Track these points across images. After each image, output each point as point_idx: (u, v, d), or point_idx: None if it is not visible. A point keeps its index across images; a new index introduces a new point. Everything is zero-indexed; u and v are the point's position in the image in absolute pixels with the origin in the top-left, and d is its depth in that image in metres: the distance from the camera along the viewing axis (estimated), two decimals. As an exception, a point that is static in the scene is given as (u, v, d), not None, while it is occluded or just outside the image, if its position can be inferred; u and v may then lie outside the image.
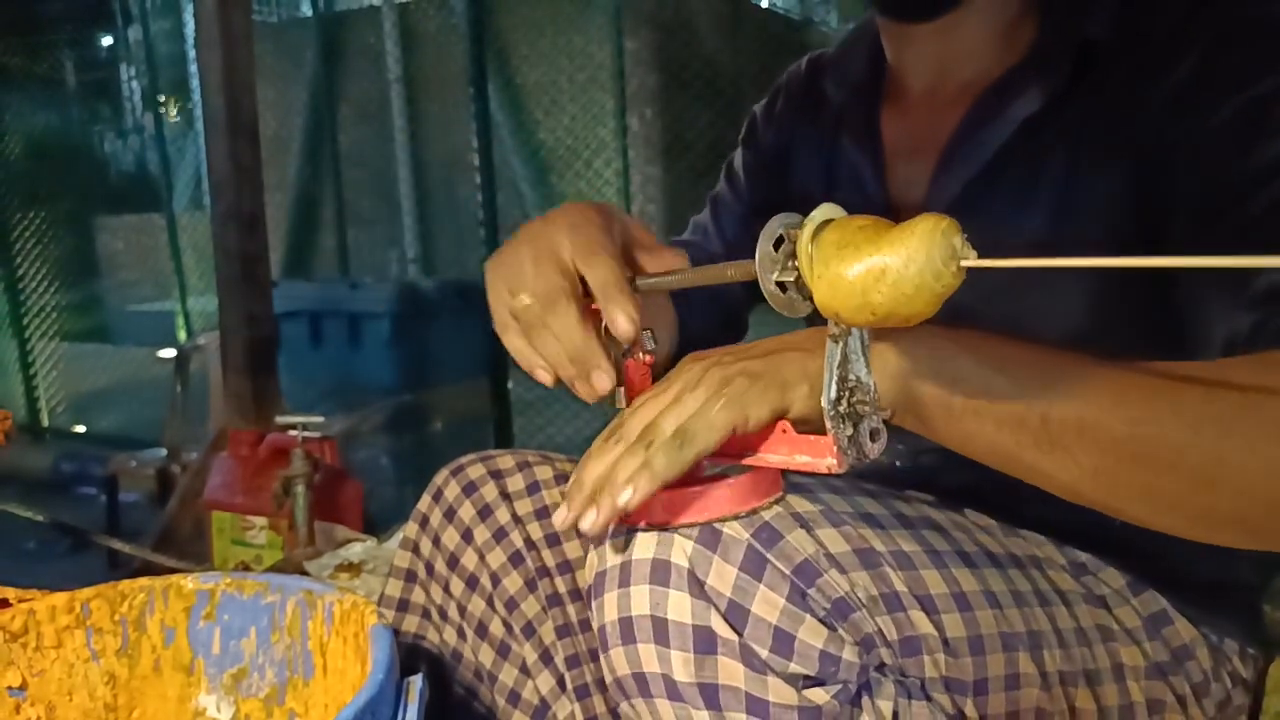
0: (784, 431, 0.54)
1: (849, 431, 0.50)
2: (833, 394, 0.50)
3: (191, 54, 6.51)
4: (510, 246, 0.67)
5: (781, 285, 0.50)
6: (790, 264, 0.49)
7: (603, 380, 0.63)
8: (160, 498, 2.85)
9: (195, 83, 6.45)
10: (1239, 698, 0.76)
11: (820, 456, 0.52)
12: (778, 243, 0.50)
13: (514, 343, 0.67)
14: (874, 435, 0.51)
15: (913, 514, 0.68)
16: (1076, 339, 0.69)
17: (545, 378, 0.67)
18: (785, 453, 0.54)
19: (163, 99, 6.24)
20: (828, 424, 0.50)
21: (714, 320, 0.99)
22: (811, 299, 0.48)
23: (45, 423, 4.54)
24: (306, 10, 6.65)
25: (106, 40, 7.77)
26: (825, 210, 0.48)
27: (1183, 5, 0.69)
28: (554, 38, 5.53)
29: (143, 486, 3.02)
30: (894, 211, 0.83)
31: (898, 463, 0.87)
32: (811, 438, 0.53)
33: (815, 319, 0.51)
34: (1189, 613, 0.75)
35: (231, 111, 2.01)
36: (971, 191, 0.78)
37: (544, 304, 0.63)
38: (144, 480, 3.01)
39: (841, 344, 0.50)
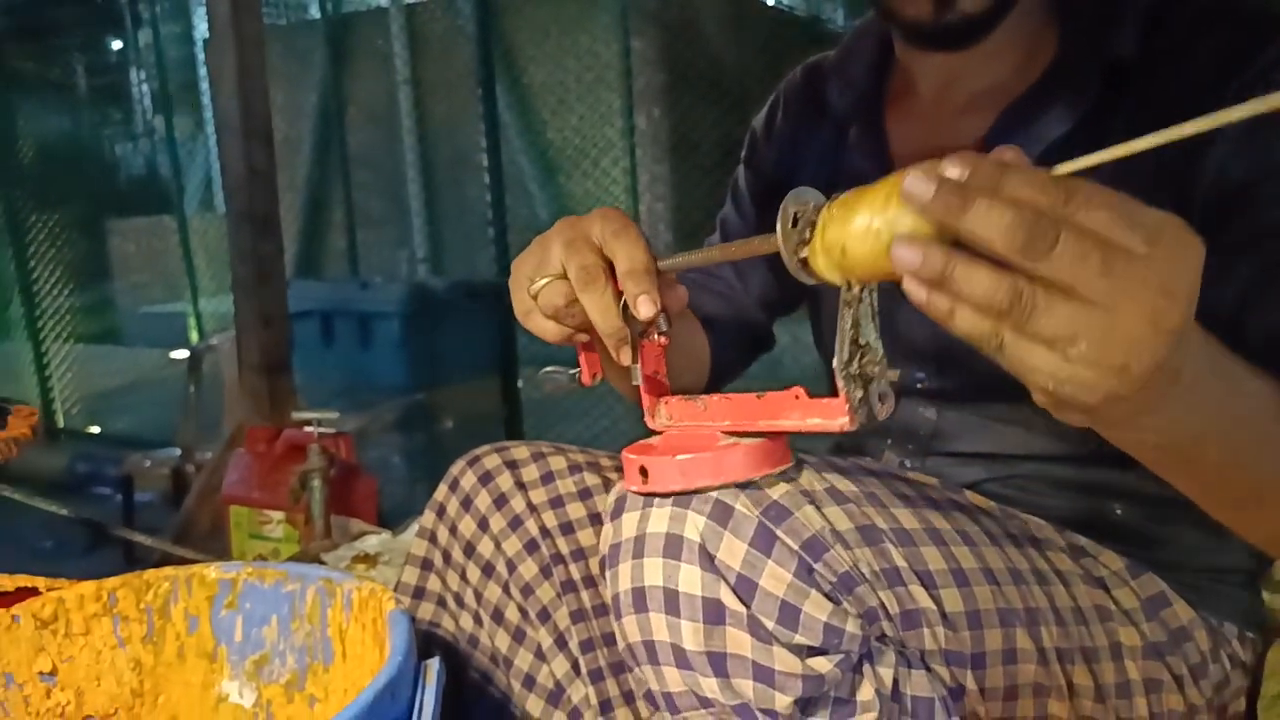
0: (796, 397, 0.57)
1: (860, 393, 0.52)
2: (845, 355, 0.52)
3: (200, 57, 6.55)
4: (539, 241, 0.68)
5: (803, 261, 0.53)
6: (807, 234, 0.52)
7: (626, 356, 0.65)
8: (175, 497, 2.88)
9: (205, 86, 6.49)
10: (1237, 680, 0.77)
11: (832, 418, 0.54)
12: (794, 221, 0.53)
13: (538, 324, 0.68)
14: (883, 398, 0.53)
15: (915, 495, 0.69)
16: None
17: (582, 338, 0.68)
18: (799, 417, 0.57)
19: (173, 102, 6.26)
20: (840, 384, 0.52)
21: (745, 343, 1.02)
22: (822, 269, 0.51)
23: (60, 424, 4.58)
24: (315, 13, 6.67)
25: (116, 44, 7.82)
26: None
27: (1207, 23, 0.71)
28: (560, 38, 5.54)
29: (157, 486, 3.05)
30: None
31: (906, 462, 0.88)
32: (823, 400, 0.55)
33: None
34: (1188, 596, 0.77)
35: (245, 115, 2.04)
36: None
37: (581, 280, 0.63)
38: (158, 479, 3.04)
39: (854, 308, 0.52)
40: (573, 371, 0.71)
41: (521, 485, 0.87)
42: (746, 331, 1.02)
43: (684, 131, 5.49)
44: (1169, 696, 0.73)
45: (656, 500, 0.59)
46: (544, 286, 0.65)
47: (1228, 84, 0.69)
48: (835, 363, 0.52)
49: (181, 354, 4.21)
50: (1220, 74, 0.70)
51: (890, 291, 0.84)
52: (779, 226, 0.53)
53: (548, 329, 0.67)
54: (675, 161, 5.62)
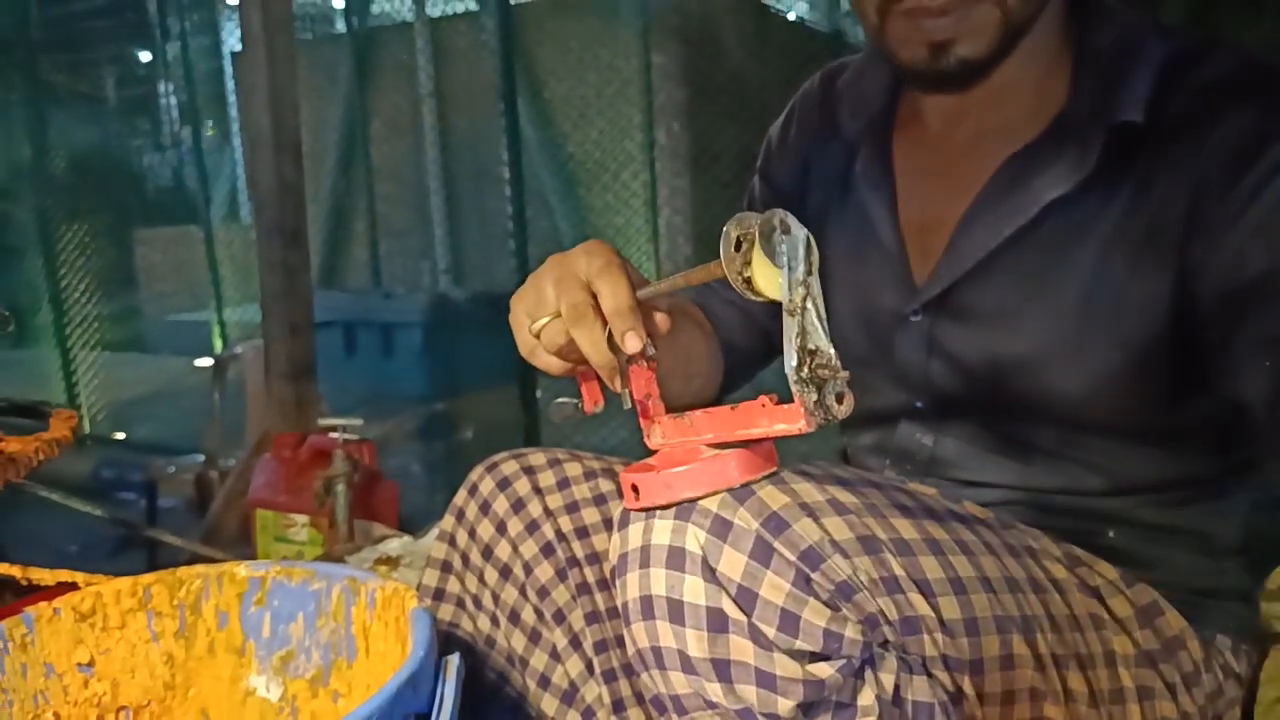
0: (763, 405, 0.59)
1: (814, 396, 0.55)
2: (794, 361, 0.55)
3: (228, 70, 6.64)
4: (532, 279, 0.71)
5: (747, 279, 0.57)
6: (750, 255, 0.57)
7: (618, 384, 0.68)
8: (199, 503, 2.91)
9: (232, 98, 6.57)
10: (1231, 690, 0.78)
11: (793, 422, 0.57)
12: (738, 244, 0.57)
13: (544, 360, 0.71)
14: (839, 398, 0.56)
15: (913, 505, 0.71)
16: (1108, 385, 0.74)
17: (584, 370, 0.72)
18: (766, 423, 0.59)
19: (200, 114, 6.36)
20: (793, 390, 0.55)
21: (756, 343, 1.02)
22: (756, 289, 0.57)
23: (86, 430, 4.64)
24: (341, 27, 6.76)
25: (145, 57, 7.93)
26: (775, 215, 0.56)
27: (1227, 97, 0.70)
28: (582, 53, 5.58)
29: (181, 492, 3.09)
30: (909, 262, 0.86)
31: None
32: (785, 406, 0.57)
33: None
34: (1181, 610, 0.78)
35: (276, 129, 2.08)
36: (991, 264, 0.79)
37: (572, 318, 0.66)
38: (183, 485, 3.07)
39: (798, 317, 0.55)
40: (577, 402, 0.74)
41: (538, 490, 0.89)
42: (755, 331, 1.03)
43: (704, 145, 5.51)
44: (1162, 704, 0.74)
45: (659, 513, 0.62)
46: (545, 326, 0.69)
47: (1244, 174, 0.68)
48: (787, 369, 0.55)
49: (206, 362, 4.28)
50: (1236, 161, 0.69)
51: (889, 323, 0.86)
52: (721, 249, 0.57)
53: (552, 364, 0.71)
54: (695, 175, 5.64)
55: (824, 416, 0.55)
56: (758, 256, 0.56)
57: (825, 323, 0.56)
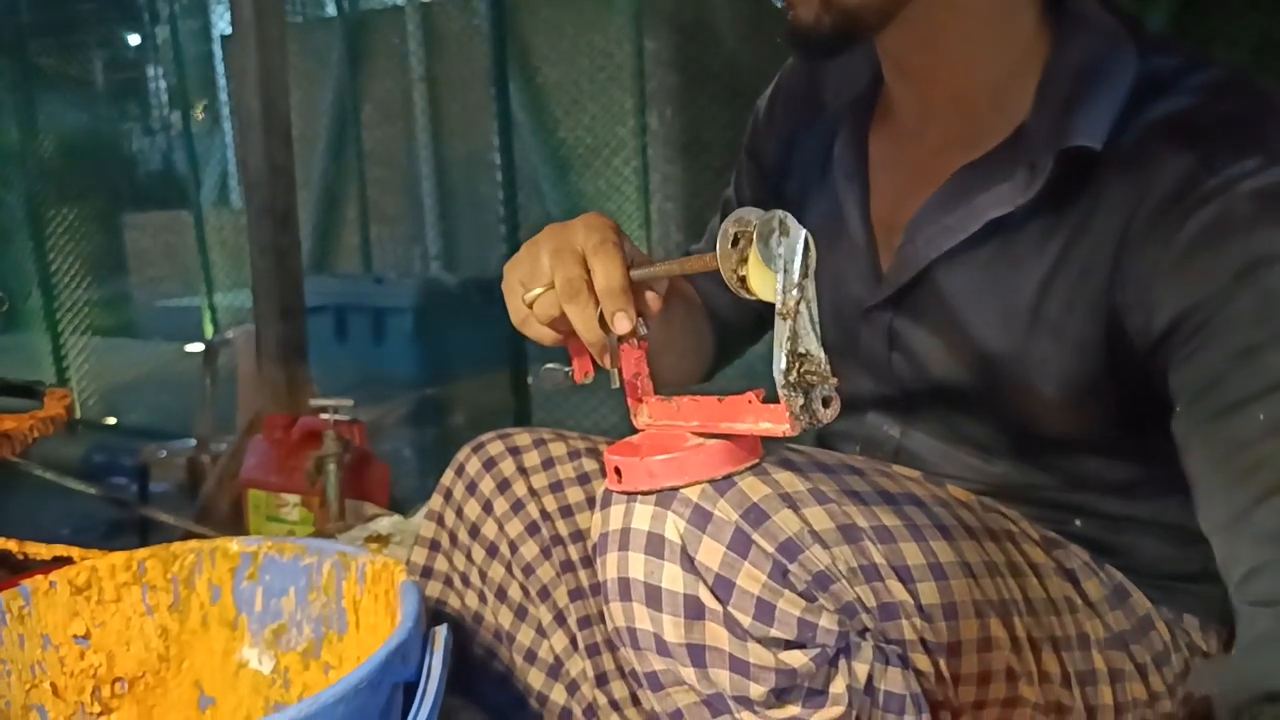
0: (750, 401, 0.60)
1: (800, 400, 0.56)
2: (783, 365, 0.55)
3: (218, 53, 6.60)
4: (528, 247, 0.71)
5: (741, 278, 0.58)
6: (746, 253, 0.57)
7: (608, 361, 0.69)
8: (190, 487, 2.92)
9: (222, 82, 6.54)
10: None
11: (777, 423, 0.58)
12: (734, 241, 0.58)
13: (535, 330, 0.72)
14: (826, 402, 0.56)
15: (896, 490, 0.72)
16: (1056, 411, 0.74)
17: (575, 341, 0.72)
18: (752, 421, 0.60)
19: (189, 98, 6.32)
20: (780, 394, 0.56)
21: (745, 317, 1.03)
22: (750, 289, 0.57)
23: (77, 415, 4.63)
24: (331, 11, 6.72)
25: (134, 40, 7.87)
26: (775, 216, 0.56)
27: (1179, 134, 0.67)
28: (574, 38, 5.57)
29: (173, 476, 3.09)
30: (877, 255, 0.86)
31: None
32: (772, 406, 0.58)
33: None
34: (1148, 594, 0.79)
35: (267, 112, 2.08)
36: (938, 270, 0.79)
37: (566, 294, 0.67)
38: (174, 470, 3.08)
39: (790, 321, 0.55)
40: (567, 370, 0.75)
41: (523, 470, 0.90)
42: (746, 308, 1.00)
43: (696, 132, 5.50)
44: (1132, 685, 0.76)
45: (640, 497, 0.63)
46: (538, 297, 0.69)
47: (1166, 215, 0.66)
48: (775, 372, 0.56)
49: (196, 347, 4.27)
50: (1163, 201, 0.66)
51: (855, 314, 0.87)
52: (719, 246, 0.58)
53: (544, 334, 0.71)
54: (687, 162, 5.63)
55: (809, 420, 0.56)
56: (754, 259, 0.57)
57: (818, 325, 0.56)
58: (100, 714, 0.83)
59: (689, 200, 5.63)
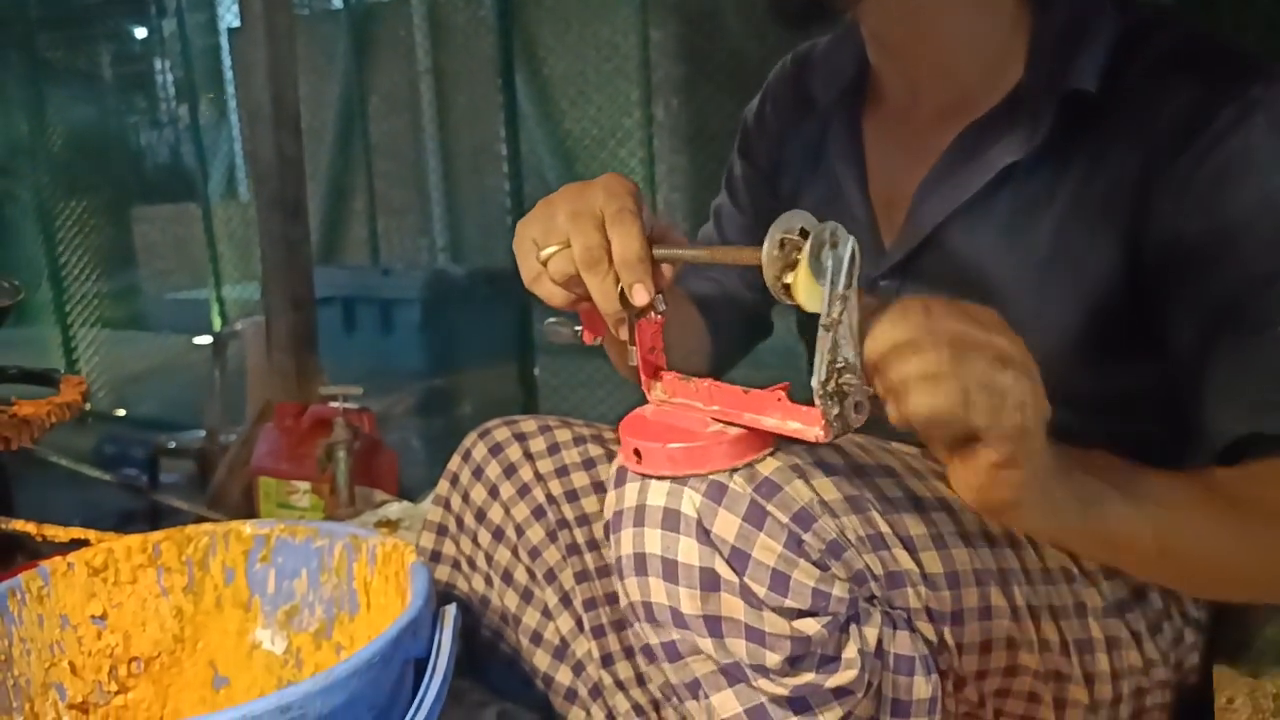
0: (779, 400, 0.61)
1: (836, 410, 0.56)
2: (822, 375, 0.56)
3: (225, 46, 6.62)
4: (545, 204, 0.69)
5: (785, 285, 0.57)
6: (794, 257, 0.57)
7: (624, 333, 0.69)
8: (201, 477, 2.95)
9: (230, 74, 6.55)
10: (1190, 636, 0.82)
11: (810, 425, 0.58)
12: (781, 245, 0.57)
13: (547, 289, 0.69)
14: (859, 408, 0.57)
15: (898, 465, 0.73)
16: (1070, 364, 0.76)
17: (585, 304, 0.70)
18: (779, 418, 0.61)
19: (196, 91, 6.34)
20: (817, 402, 0.56)
21: (741, 323, 1.05)
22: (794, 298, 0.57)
23: (88, 407, 4.65)
24: (338, 3, 6.73)
25: (141, 33, 7.89)
26: (826, 228, 0.56)
27: (1175, 69, 0.73)
28: (581, 29, 5.57)
29: (183, 467, 3.12)
30: (878, 230, 0.88)
31: None
32: (804, 407, 0.59)
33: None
34: None
35: (276, 105, 2.10)
36: (949, 230, 0.82)
37: (584, 262, 0.65)
38: (185, 461, 3.11)
39: (833, 331, 0.55)
40: (576, 328, 0.73)
41: (529, 456, 0.92)
42: (739, 311, 1.05)
43: (702, 122, 5.51)
44: (1128, 653, 0.77)
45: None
46: (554, 255, 0.66)
47: (1188, 145, 0.71)
48: (814, 382, 0.56)
49: (205, 339, 4.30)
50: (1184, 131, 0.71)
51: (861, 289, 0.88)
52: (765, 250, 0.57)
53: (555, 294, 0.69)
54: (693, 152, 5.63)
55: (842, 428, 0.57)
56: (803, 269, 0.56)
57: (857, 334, 0.56)
58: (117, 692, 0.85)
59: (695, 190, 5.63)
